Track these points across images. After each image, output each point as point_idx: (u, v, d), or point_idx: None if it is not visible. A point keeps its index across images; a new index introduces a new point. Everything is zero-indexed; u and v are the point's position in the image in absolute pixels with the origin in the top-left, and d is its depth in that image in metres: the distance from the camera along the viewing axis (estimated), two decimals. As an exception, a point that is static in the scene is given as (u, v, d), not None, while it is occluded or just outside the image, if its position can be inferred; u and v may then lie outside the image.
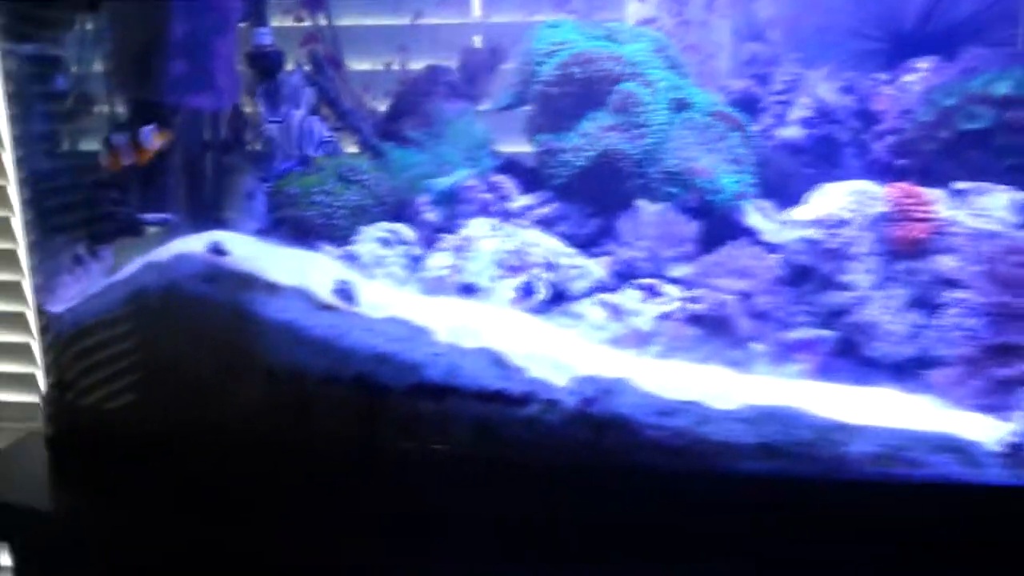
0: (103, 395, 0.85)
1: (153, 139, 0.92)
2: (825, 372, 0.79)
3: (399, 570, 0.75)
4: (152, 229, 0.95)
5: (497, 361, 0.75)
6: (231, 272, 0.80)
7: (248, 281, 0.79)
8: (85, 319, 0.85)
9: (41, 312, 0.88)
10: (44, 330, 0.89)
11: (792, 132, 0.98)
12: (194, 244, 0.81)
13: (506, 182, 0.95)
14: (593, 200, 0.93)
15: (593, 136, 0.92)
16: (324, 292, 0.78)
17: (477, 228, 0.84)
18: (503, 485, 0.76)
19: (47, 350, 0.90)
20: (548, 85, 0.97)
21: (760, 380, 0.76)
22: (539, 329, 0.78)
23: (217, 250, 0.81)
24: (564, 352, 0.77)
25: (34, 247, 0.90)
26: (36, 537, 0.82)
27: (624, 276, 0.87)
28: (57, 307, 0.88)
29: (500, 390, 0.75)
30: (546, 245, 0.84)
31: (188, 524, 0.78)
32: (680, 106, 0.97)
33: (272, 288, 0.79)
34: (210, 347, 0.81)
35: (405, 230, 0.92)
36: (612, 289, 0.86)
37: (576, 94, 0.96)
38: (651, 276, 0.87)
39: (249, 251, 0.83)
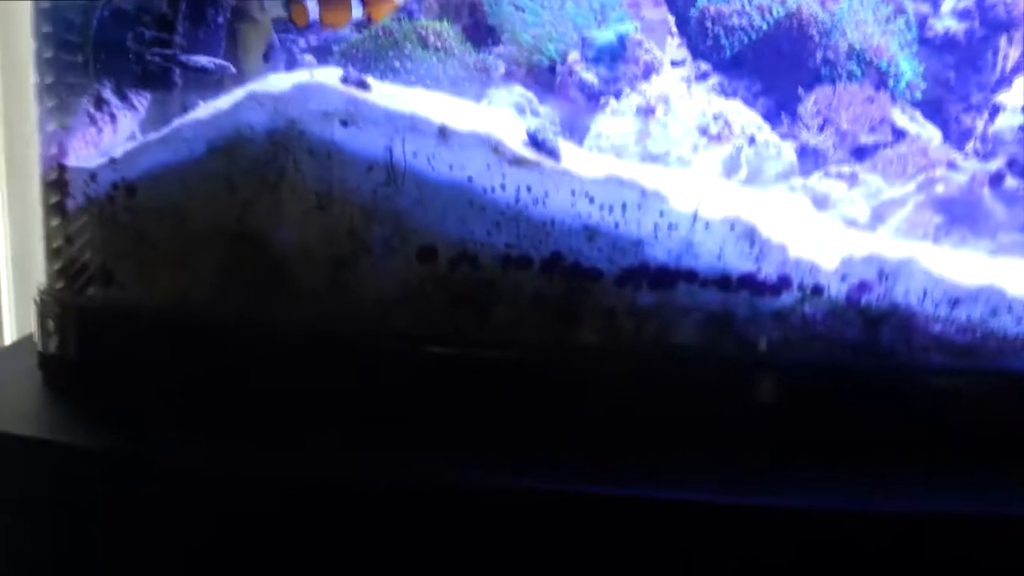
0: (163, 285, 0.61)
1: None
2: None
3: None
4: (204, 77, 0.71)
5: (747, 237, 0.59)
6: (380, 112, 0.59)
7: (404, 125, 0.58)
8: (136, 177, 0.61)
9: (57, 169, 0.62)
10: (59, 191, 0.63)
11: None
12: (320, 74, 0.59)
13: (658, 47, 0.78)
14: (770, 73, 0.80)
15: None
16: (514, 142, 0.60)
17: (661, 90, 0.68)
18: (745, 394, 0.61)
19: (62, 219, 0.63)
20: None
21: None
22: (776, 204, 0.63)
23: (360, 82, 0.59)
24: (811, 231, 0.63)
25: (50, 89, 0.63)
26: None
27: (817, 161, 0.75)
28: (82, 162, 0.62)
29: (748, 274, 0.60)
30: (745, 117, 0.69)
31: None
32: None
33: (442, 135, 0.59)
34: (341, 215, 0.59)
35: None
36: (805, 173, 0.74)
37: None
38: (844, 163, 0.75)
39: (393, 91, 0.62)
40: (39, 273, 0.68)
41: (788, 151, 0.73)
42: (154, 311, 0.60)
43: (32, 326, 0.66)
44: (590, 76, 0.72)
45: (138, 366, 0.61)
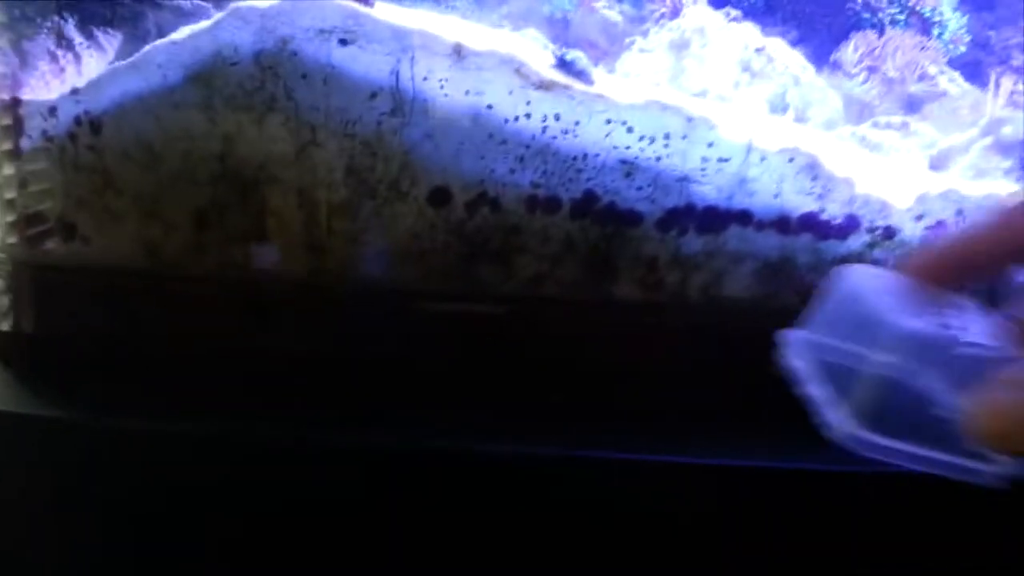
0: (128, 231, 0.53)
1: None
2: None
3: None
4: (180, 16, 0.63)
5: (809, 171, 0.52)
6: (385, 28, 0.51)
7: (413, 43, 0.51)
8: (101, 110, 0.53)
9: (10, 104, 0.54)
10: (11, 129, 0.54)
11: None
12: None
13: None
14: (808, 19, 0.73)
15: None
16: (539, 64, 0.52)
17: (696, 22, 0.61)
18: None
19: (15, 161, 0.54)
20: None
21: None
22: (832, 146, 0.56)
23: (359, -4, 0.52)
24: (874, 170, 0.56)
25: (4, 26, 0.55)
26: None
27: (864, 110, 0.68)
28: (43, 95, 0.54)
29: (810, 214, 0.52)
30: (788, 56, 0.62)
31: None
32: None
33: (456, 55, 0.51)
34: (339, 151, 0.51)
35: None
36: (853, 122, 0.67)
37: None
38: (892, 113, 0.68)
39: (392, 8, 0.54)
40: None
41: (834, 97, 0.66)
42: (122, 268, 0.52)
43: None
44: (613, 14, 0.66)
45: (102, 331, 0.52)
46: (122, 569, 0.51)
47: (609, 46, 0.65)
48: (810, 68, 0.65)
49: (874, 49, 0.70)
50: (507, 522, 0.47)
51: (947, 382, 0.31)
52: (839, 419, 0.33)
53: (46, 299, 0.55)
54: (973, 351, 0.32)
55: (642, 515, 0.45)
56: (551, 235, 0.51)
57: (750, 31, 0.63)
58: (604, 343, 0.51)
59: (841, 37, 0.71)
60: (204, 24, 0.50)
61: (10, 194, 0.55)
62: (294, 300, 0.52)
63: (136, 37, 0.63)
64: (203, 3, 0.65)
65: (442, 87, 0.50)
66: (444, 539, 0.47)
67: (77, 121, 0.51)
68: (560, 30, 0.66)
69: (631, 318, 0.51)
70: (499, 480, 0.46)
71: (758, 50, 0.61)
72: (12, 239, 0.55)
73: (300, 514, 0.47)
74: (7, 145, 0.54)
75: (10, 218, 0.55)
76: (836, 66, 0.69)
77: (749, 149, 0.51)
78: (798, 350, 0.36)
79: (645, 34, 0.66)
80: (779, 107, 0.62)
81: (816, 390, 0.34)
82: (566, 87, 0.50)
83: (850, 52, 0.70)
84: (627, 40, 0.65)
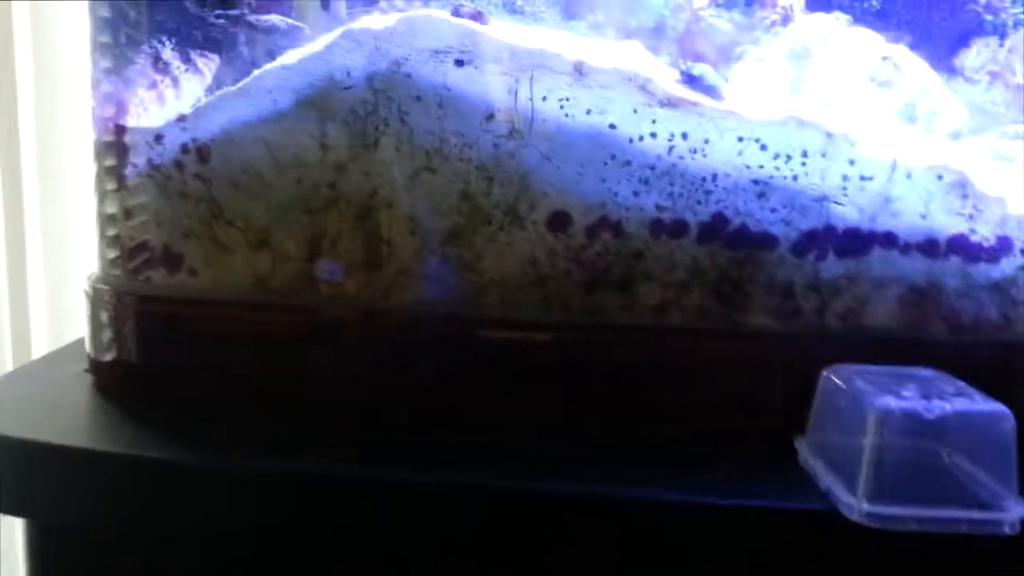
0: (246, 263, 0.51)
1: None
2: None
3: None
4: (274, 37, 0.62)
5: (958, 189, 0.49)
6: (502, 47, 0.49)
7: (531, 62, 0.49)
8: (209, 137, 0.51)
9: (114, 131, 0.53)
10: (116, 157, 0.53)
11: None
12: (426, 8, 0.50)
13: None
14: (920, 25, 0.69)
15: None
16: (664, 80, 0.50)
17: (816, 32, 0.58)
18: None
19: (119, 191, 0.53)
20: None
21: None
22: (972, 158, 0.53)
23: (475, 15, 0.50)
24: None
25: (105, 48, 0.54)
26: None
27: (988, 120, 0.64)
28: (142, 121, 0.53)
29: (959, 236, 0.49)
30: (914, 66, 0.59)
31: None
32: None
33: (577, 73, 0.49)
34: (454, 176, 0.49)
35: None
36: (978, 132, 0.63)
37: None
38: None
39: (509, 26, 0.52)
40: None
41: (959, 106, 0.63)
42: (231, 300, 0.51)
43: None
44: (722, 23, 0.63)
45: (209, 364, 0.51)
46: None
47: (717, 57, 0.62)
48: (936, 76, 0.61)
49: (997, 54, 0.66)
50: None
51: (939, 441, 0.37)
52: (851, 502, 0.37)
53: (150, 331, 0.53)
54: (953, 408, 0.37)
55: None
56: (677, 261, 0.48)
57: (873, 38, 0.60)
58: (734, 375, 0.48)
59: (960, 41, 0.67)
60: (316, 47, 0.49)
61: (113, 224, 0.54)
62: (409, 332, 0.50)
63: (231, 60, 0.62)
64: (298, 24, 0.64)
65: (562, 107, 0.48)
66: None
67: (184, 149, 0.50)
68: (661, 40, 0.63)
69: (764, 349, 0.48)
70: (620, 526, 0.43)
71: (884, 58, 0.58)
72: (115, 270, 0.54)
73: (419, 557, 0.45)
74: (110, 174, 0.53)
75: (113, 248, 0.54)
76: (956, 72, 0.66)
77: (894, 166, 0.47)
78: (807, 451, 0.43)
79: (756, 42, 0.63)
80: (909, 118, 0.59)
81: (828, 482, 0.39)
82: (694, 103, 0.47)
83: (972, 57, 0.66)
84: (737, 50, 0.62)
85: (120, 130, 0.51)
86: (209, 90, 0.58)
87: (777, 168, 0.47)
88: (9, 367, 1.07)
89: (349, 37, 0.48)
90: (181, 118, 0.50)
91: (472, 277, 0.49)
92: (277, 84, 0.49)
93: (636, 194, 0.48)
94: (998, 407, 0.36)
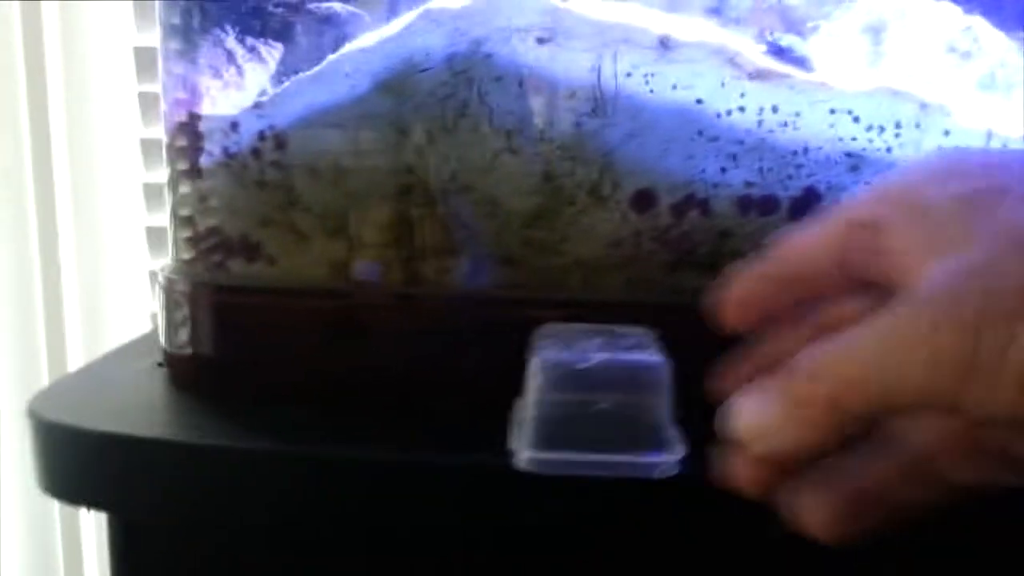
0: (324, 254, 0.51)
1: None
2: None
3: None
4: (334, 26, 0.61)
5: (1057, 157, 0.48)
6: (586, 23, 0.48)
7: (615, 37, 0.48)
8: (286, 124, 0.50)
9: (188, 117, 0.52)
10: (191, 145, 0.52)
11: None
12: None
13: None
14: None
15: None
16: (753, 53, 0.49)
17: (894, 4, 0.57)
18: None
19: (194, 179, 0.51)
20: None
21: None
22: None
23: (557, -11, 0.49)
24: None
25: (175, 30, 0.53)
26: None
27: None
28: (208, 110, 0.52)
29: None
30: (993, 36, 0.58)
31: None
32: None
33: (663, 47, 0.48)
34: (536, 156, 0.48)
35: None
36: None
37: None
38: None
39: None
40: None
41: (1036, 76, 0.61)
42: (309, 289, 0.50)
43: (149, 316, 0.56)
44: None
45: (289, 355, 0.51)
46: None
47: (787, 31, 0.61)
48: (1014, 47, 0.60)
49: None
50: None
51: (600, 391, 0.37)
52: (517, 450, 0.38)
53: (227, 322, 0.53)
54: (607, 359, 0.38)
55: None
56: (767, 239, 0.47)
57: (951, 8, 0.59)
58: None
59: (1031, 11, 0.65)
60: (393, 29, 0.48)
61: (187, 212, 0.54)
62: (489, 317, 0.49)
63: (294, 49, 0.61)
64: (357, 11, 0.63)
65: (647, 82, 0.47)
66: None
67: (261, 136, 0.49)
68: (725, 16, 0.62)
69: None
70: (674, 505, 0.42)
71: (964, 29, 0.57)
72: (190, 260, 0.53)
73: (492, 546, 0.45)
74: (183, 155, 0.53)
75: (187, 236, 0.53)
76: (1029, 43, 0.64)
77: (989, 136, 0.46)
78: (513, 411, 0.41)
79: (828, 16, 0.61)
80: (988, 89, 0.57)
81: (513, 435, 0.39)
82: (784, 76, 0.46)
83: (1044, 28, 0.65)
84: (809, 24, 0.61)
85: (194, 116, 0.50)
86: (274, 79, 0.58)
87: (870, 140, 0.46)
88: (44, 370, 1.07)
89: (427, 17, 0.47)
90: (257, 105, 0.49)
91: (555, 260, 0.49)
92: (354, 68, 0.48)
93: (724, 170, 0.47)
94: (652, 359, 0.38)
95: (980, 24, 0.57)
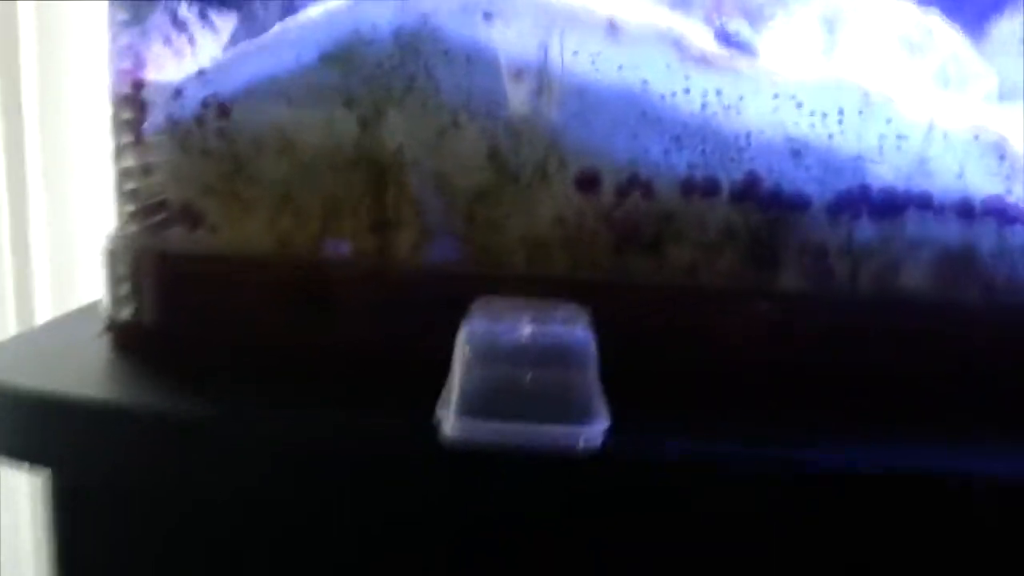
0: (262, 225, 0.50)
1: None
2: None
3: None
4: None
5: (995, 151, 0.48)
6: (533, 3, 0.48)
7: (562, 17, 0.48)
8: (231, 92, 0.50)
9: (131, 85, 0.52)
10: (134, 111, 0.52)
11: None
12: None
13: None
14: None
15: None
16: (699, 38, 0.49)
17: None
18: (989, 350, 0.49)
19: (137, 146, 0.52)
20: None
21: None
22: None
23: (504, -34, 0.49)
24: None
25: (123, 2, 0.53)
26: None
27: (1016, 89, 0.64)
28: (159, 77, 0.52)
29: (996, 197, 0.48)
30: (946, 31, 0.58)
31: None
32: None
33: (611, 28, 0.48)
34: (482, 133, 0.48)
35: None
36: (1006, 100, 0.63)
37: None
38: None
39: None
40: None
41: (991, 73, 0.62)
42: (252, 257, 0.50)
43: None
44: (750, -13, 0.62)
45: (229, 321, 0.50)
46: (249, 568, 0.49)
47: (747, 20, 0.61)
48: (967, 42, 0.61)
49: (1026, 21, 0.65)
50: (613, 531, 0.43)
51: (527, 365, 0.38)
52: (444, 418, 0.38)
53: (168, 289, 0.52)
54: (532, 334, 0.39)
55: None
56: (708, 221, 0.48)
57: (906, 5, 0.59)
58: (765, 339, 0.48)
59: (994, 8, 0.66)
60: (341, 1, 0.48)
61: (130, 179, 0.53)
62: (432, 292, 0.49)
63: (246, 18, 0.61)
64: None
65: (593, 63, 0.47)
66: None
67: (204, 104, 0.49)
68: (689, 5, 0.62)
69: (796, 311, 0.48)
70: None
71: (917, 23, 0.57)
72: (133, 227, 0.53)
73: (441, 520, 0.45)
74: (128, 129, 0.52)
75: (131, 206, 0.53)
76: (988, 40, 0.65)
77: (931, 127, 0.46)
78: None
79: (786, 6, 0.62)
80: (941, 82, 0.58)
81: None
82: (729, 60, 0.47)
83: (1005, 26, 0.65)
84: (767, 12, 0.61)
85: (138, 84, 0.50)
86: (226, 49, 0.57)
87: (813, 126, 0.46)
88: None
89: (375, -11, 0.47)
90: (201, 72, 0.49)
91: (500, 237, 0.49)
92: (300, 38, 0.48)
93: (667, 152, 0.47)
94: (578, 333, 0.39)
95: (935, 20, 0.58)
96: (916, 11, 0.59)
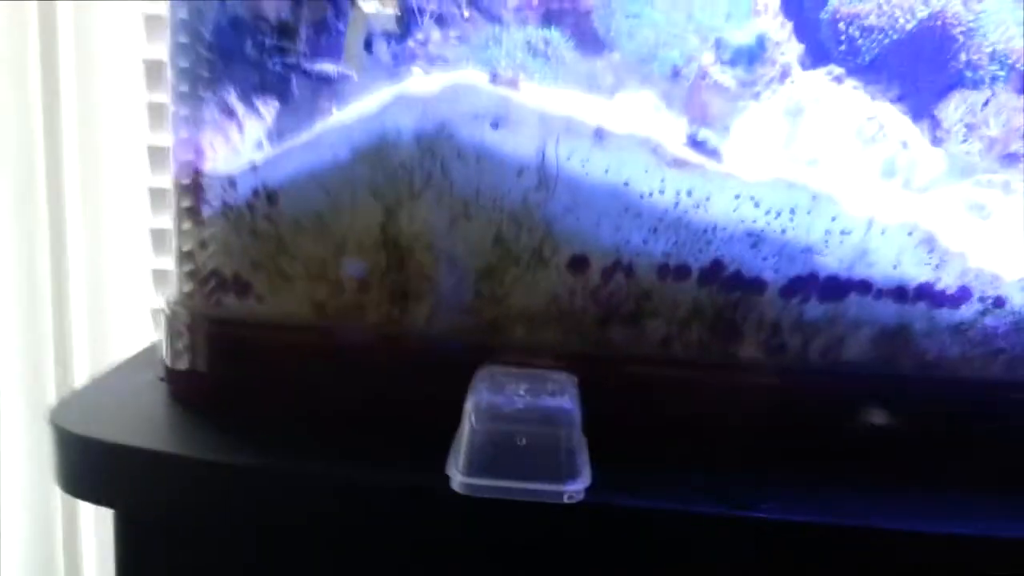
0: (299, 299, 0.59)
1: None
2: None
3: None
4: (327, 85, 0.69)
5: (926, 244, 0.56)
6: (533, 113, 0.56)
7: (558, 126, 0.56)
8: (278, 183, 0.59)
9: (194, 176, 0.60)
10: (194, 196, 0.60)
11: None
12: (468, 75, 0.57)
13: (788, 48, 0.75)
14: (907, 78, 0.76)
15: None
16: (673, 143, 0.57)
17: (804, 91, 0.65)
18: (922, 414, 0.56)
19: (195, 226, 0.59)
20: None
21: None
22: (940, 211, 0.60)
23: (508, 81, 0.57)
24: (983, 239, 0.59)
25: (184, 97, 0.61)
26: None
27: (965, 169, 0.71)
28: (219, 167, 0.60)
29: (926, 285, 0.56)
30: (897, 123, 0.66)
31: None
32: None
33: (598, 136, 0.56)
34: (488, 222, 0.56)
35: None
36: (955, 180, 0.70)
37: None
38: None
39: (539, 92, 0.59)
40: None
41: (938, 157, 0.69)
42: (291, 323, 0.58)
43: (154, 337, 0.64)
44: (726, 79, 0.70)
45: (269, 378, 0.59)
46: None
47: (722, 110, 0.69)
48: (916, 131, 0.68)
49: (974, 107, 0.73)
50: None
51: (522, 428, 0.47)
52: (453, 475, 0.46)
53: (218, 347, 0.61)
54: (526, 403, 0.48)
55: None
56: (680, 300, 0.55)
57: (861, 97, 0.67)
58: (728, 403, 0.55)
59: (943, 94, 0.73)
60: (372, 107, 0.56)
61: (190, 260, 0.61)
62: (443, 356, 0.57)
63: (288, 105, 0.69)
64: (347, 72, 0.71)
65: (583, 166, 0.55)
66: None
67: (255, 193, 0.58)
68: (672, 89, 0.70)
69: (753, 377, 0.55)
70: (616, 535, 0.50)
71: (870, 118, 0.65)
72: (191, 295, 0.61)
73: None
74: (188, 215, 0.61)
75: (189, 281, 0.61)
76: (937, 124, 0.72)
77: (871, 223, 0.54)
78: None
79: (757, 97, 0.69)
80: (889, 172, 0.65)
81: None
82: (698, 165, 0.55)
83: (951, 110, 0.73)
84: (740, 104, 0.69)
85: (197, 174, 0.58)
86: (270, 134, 0.66)
87: (768, 222, 0.54)
88: (51, 386, 1.14)
89: (401, 102, 0.55)
90: (253, 166, 0.57)
91: (502, 311, 0.57)
92: (338, 139, 0.56)
93: (646, 242, 0.55)
94: (565, 404, 0.49)
95: (886, 111, 0.66)
96: (871, 105, 0.67)
